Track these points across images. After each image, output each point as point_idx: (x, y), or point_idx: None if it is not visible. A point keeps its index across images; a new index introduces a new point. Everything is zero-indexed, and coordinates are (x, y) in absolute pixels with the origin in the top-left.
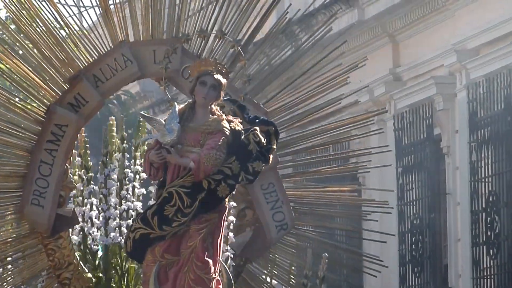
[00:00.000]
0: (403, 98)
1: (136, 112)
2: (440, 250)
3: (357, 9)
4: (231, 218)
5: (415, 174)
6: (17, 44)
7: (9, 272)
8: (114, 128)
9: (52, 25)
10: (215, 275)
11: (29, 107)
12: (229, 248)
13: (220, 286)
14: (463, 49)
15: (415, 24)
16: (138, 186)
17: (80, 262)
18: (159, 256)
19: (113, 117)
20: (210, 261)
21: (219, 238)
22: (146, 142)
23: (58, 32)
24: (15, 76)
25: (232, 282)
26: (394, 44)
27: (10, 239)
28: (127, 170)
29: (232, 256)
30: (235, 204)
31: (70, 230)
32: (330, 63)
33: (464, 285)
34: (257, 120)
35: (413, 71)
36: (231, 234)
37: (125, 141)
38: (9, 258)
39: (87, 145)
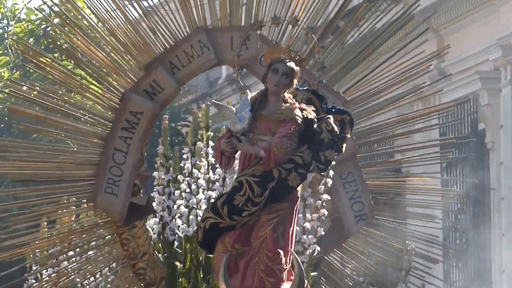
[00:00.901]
0: (447, 93)
1: (178, 105)
2: (484, 245)
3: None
4: (323, 211)
5: (459, 169)
6: (94, 31)
7: (84, 261)
8: (201, 117)
9: (129, 11)
10: (286, 266)
11: (104, 94)
12: (315, 240)
13: (292, 277)
14: (508, 44)
15: (460, 19)
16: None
17: (155, 252)
18: (229, 246)
19: (202, 105)
20: (281, 252)
21: (291, 228)
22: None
23: (134, 17)
24: (91, 63)
25: (304, 273)
26: (439, 38)
27: (85, 228)
28: (211, 158)
29: (318, 249)
30: (329, 197)
31: (146, 219)
32: (411, 51)
33: (508, 280)
34: (333, 110)
35: (458, 66)
36: (320, 228)
37: (210, 130)
38: (84, 246)
39: (168, 132)
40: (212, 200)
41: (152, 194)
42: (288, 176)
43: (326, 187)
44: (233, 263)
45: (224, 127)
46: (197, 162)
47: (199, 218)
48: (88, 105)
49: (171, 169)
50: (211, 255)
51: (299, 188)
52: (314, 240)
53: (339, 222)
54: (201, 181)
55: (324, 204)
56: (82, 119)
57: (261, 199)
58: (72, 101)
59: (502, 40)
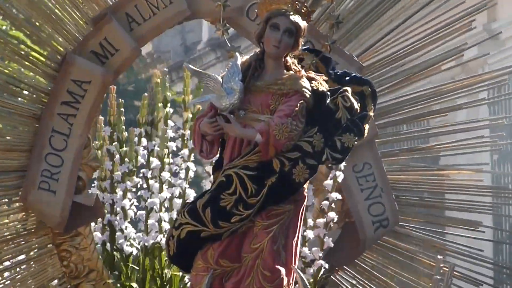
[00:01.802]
0: (500, 62)
1: (145, 77)
2: None
3: None
4: (332, 214)
5: None
6: None
7: (8, 282)
8: (160, 88)
9: None
10: None
11: (37, 56)
12: (321, 254)
13: None
14: None
15: None
16: (193, 168)
17: (105, 269)
18: (213, 263)
19: (156, 71)
20: (282, 270)
21: (295, 239)
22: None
23: None
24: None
25: None
26: None
27: (10, 236)
28: (171, 143)
29: (325, 266)
30: (339, 196)
31: (93, 224)
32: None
33: None
34: (347, 78)
35: None
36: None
37: (168, 105)
38: (7, 263)
39: (121, 109)
40: (189, 200)
41: (91, 191)
42: (293, 169)
43: (336, 182)
44: (218, 285)
45: (205, 102)
46: (157, 148)
47: (165, 224)
48: (17, 72)
49: (125, 158)
50: (186, 274)
51: (306, 185)
52: (320, 254)
53: (351, 230)
54: (165, 174)
55: (333, 205)
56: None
57: (257, 200)
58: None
59: None
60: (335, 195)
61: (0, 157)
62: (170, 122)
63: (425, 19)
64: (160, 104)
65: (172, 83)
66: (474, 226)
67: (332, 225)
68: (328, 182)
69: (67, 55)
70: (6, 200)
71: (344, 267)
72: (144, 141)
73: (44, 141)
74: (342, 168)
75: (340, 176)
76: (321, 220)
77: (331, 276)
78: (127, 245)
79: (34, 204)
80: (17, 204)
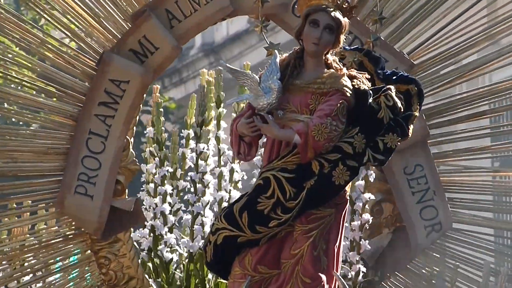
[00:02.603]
0: None
1: None
2: None
3: None
4: (366, 216)
5: None
6: None
7: None
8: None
9: None
10: None
11: (75, 55)
12: (358, 258)
13: None
14: None
15: None
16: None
17: (146, 276)
18: (251, 269)
19: (204, 70)
20: (323, 277)
21: (337, 244)
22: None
23: None
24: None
25: None
26: None
27: (48, 243)
28: (223, 145)
29: (363, 270)
30: (372, 197)
31: (132, 230)
32: None
33: None
34: (394, 77)
35: None
36: (364, 240)
37: (222, 105)
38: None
39: (161, 109)
40: (226, 204)
41: (140, 195)
42: (333, 171)
43: (368, 182)
44: None
45: (242, 102)
46: (205, 150)
47: (207, 229)
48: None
49: (165, 161)
50: (225, 281)
51: (347, 188)
52: (357, 258)
53: (402, 234)
54: (208, 177)
55: (366, 206)
56: (46, 91)
57: (296, 203)
58: (31, 65)
59: None
60: (368, 196)
61: (36, 160)
62: (222, 123)
63: (480, 14)
64: (212, 104)
65: (164, 89)
66: None
67: (367, 227)
68: (360, 182)
69: (105, 53)
70: (44, 204)
71: (396, 273)
72: (192, 143)
73: (81, 143)
74: (375, 166)
75: (372, 176)
76: (355, 223)
77: (382, 283)
78: (167, 251)
79: (70, 209)
80: (54, 209)
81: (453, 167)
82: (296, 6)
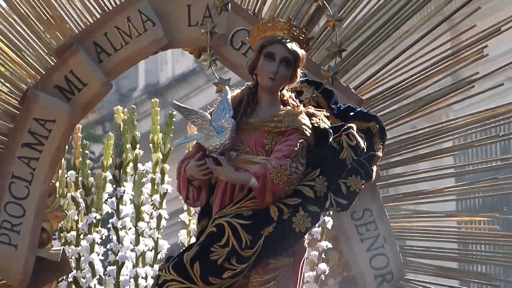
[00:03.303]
0: None
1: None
2: None
3: None
4: (323, 266)
5: None
6: None
7: None
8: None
9: None
10: None
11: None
12: None
13: None
14: None
15: None
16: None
17: None
18: None
19: (118, 107)
20: None
21: None
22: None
23: None
24: None
25: None
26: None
27: None
28: (144, 189)
29: None
30: (329, 245)
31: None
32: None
33: None
34: (351, 113)
35: None
36: None
37: (137, 147)
38: None
39: (86, 152)
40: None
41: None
42: (293, 217)
43: (325, 229)
44: None
45: (191, 142)
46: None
47: (141, 281)
48: None
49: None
50: None
51: (306, 235)
52: None
53: (350, 286)
54: (142, 224)
55: (323, 256)
56: None
57: (253, 252)
58: None
59: None
60: (326, 244)
61: None
62: (140, 165)
63: (431, 46)
64: (128, 145)
65: (106, 133)
66: (488, 280)
67: (323, 278)
68: (317, 229)
69: (29, 90)
70: None
71: None
72: (108, 186)
73: (4, 188)
74: (330, 214)
75: (329, 223)
76: (311, 274)
77: None
78: None
79: None
80: None
81: (405, 211)
82: (235, 38)
